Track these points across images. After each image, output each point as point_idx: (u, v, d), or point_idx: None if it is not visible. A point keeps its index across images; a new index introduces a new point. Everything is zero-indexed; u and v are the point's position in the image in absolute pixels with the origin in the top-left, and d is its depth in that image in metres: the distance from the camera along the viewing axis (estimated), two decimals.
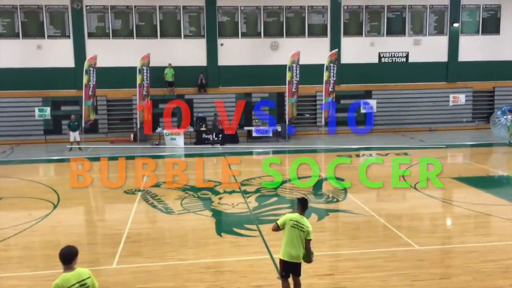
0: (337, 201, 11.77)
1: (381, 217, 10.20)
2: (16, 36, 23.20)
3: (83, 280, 4.78)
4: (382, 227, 9.68)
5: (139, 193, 12.66)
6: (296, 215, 6.28)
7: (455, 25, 25.44)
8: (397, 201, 11.90)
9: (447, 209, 11.04)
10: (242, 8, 24.47)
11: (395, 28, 25.48)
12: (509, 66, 25.77)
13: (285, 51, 23.51)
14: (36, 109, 22.54)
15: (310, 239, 6.19)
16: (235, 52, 24.51)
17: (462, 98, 25.21)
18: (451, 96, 25.31)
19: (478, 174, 14.06)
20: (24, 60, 23.18)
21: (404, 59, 25.71)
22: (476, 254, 8.11)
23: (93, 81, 21.79)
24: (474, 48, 25.76)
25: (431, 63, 25.68)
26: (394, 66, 25.59)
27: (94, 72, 21.80)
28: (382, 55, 25.58)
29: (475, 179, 13.49)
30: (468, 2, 25.53)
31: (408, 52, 25.65)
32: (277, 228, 6.35)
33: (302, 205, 6.35)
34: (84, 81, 21.55)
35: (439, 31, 25.68)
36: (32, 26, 23.27)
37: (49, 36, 23.44)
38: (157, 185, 13.53)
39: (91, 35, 23.69)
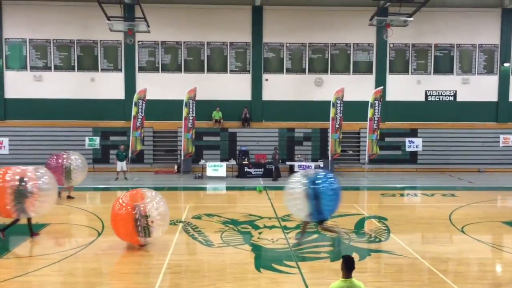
0: (380, 241, 11.46)
1: (426, 260, 9.83)
2: (72, 69, 24.42)
3: None
4: (426, 271, 9.32)
5: (181, 224, 12.78)
6: (343, 284, 5.52)
7: (506, 64, 24.86)
8: (443, 244, 11.44)
9: (496, 255, 10.52)
10: (287, 44, 24.88)
11: (443, 66, 25.16)
12: None
13: (329, 88, 23.62)
14: (87, 139, 23.42)
15: None
16: (280, 87, 24.82)
17: None
18: (501, 136, 24.49)
19: None
20: (78, 92, 24.31)
21: (452, 98, 25.24)
22: None
23: (141, 113, 22.52)
24: None
25: (480, 102, 25.08)
26: (441, 105, 25.13)
27: (143, 104, 22.55)
28: (428, 93, 25.21)
29: None
30: None
31: (456, 91, 25.18)
32: None
33: (347, 266, 5.56)
34: (133, 112, 22.32)
35: (489, 70, 25.15)
36: (87, 60, 24.48)
37: (102, 69, 24.55)
38: (198, 217, 13.63)
39: (141, 69, 24.64)
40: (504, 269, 9.81)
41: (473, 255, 10.45)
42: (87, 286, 8.53)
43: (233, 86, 24.74)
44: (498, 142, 24.44)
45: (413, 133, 24.67)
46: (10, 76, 24.28)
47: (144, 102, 22.63)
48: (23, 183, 10.65)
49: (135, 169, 22.85)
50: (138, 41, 24.38)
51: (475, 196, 17.34)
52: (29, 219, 11.28)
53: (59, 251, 10.17)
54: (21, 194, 10.60)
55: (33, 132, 23.85)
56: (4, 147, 23.05)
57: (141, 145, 23.04)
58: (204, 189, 19.49)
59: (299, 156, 23.40)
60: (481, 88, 25.09)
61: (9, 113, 24.19)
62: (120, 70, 24.61)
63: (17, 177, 10.67)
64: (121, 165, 20.88)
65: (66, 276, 8.89)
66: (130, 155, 22.17)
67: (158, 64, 24.73)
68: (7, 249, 10.90)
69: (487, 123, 25.13)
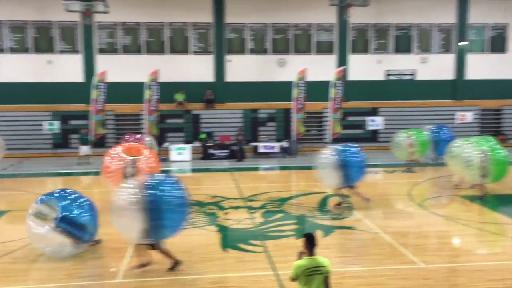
0: (343, 218, 11.75)
1: (387, 235, 10.16)
2: (27, 51, 23.57)
3: None
4: (387, 245, 9.64)
5: None
6: (307, 262, 5.56)
7: (462, 43, 25.53)
8: (403, 219, 11.84)
9: (453, 227, 10.98)
10: (250, 25, 24.74)
11: (402, 46, 25.61)
12: None
13: (292, 68, 23.69)
14: (46, 123, 22.77)
15: (329, 275, 5.59)
16: (243, 68, 24.72)
17: (469, 116, 25.21)
18: (458, 114, 25.31)
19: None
20: (34, 75, 23.50)
21: (411, 77, 25.79)
22: (482, 273, 8.05)
23: (102, 96, 22.05)
24: (481, 67, 25.79)
25: (438, 81, 25.72)
26: (401, 84, 25.66)
27: (104, 87, 22.08)
28: (389, 73, 25.67)
29: (482, 197, 13.41)
30: (475, 21, 25.64)
31: (415, 70, 25.74)
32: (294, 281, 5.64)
33: (310, 243, 5.60)
34: (93, 95, 21.83)
35: (446, 49, 25.78)
36: (43, 42, 23.65)
37: (60, 51, 23.79)
38: None
39: (101, 51, 24.02)
40: (461, 240, 10.25)
41: (431, 228, 10.89)
42: (50, 272, 8.41)
43: (195, 68, 24.47)
44: (455, 119, 25.21)
45: (374, 112, 25.15)
46: None
47: (104, 84, 22.14)
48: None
49: (97, 153, 22.38)
50: (97, 22, 23.68)
51: (434, 171, 17.90)
52: None
53: (20, 238, 9.94)
54: None
55: None
56: None
57: (103, 128, 22.62)
58: (168, 171, 19.35)
59: (263, 136, 23.51)
60: (439, 66, 25.69)
61: None
62: (78, 52, 23.91)
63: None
64: (85, 150, 20.51)
65: (29, 263, 8.74)
66: (92, 139, 21.75)
67: (118, 45, 24.16)
68: None
69: (444, 101, 25.86)
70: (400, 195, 14.30)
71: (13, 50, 23.48)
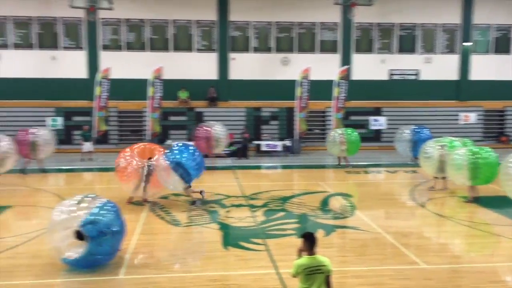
0: (345, 217, 11.74)
1: (389, 235, 10.15)
2: (32, 47, 23.61)
3: None
4: (389, 245, 9.63)
5: (147, 204, 12.73)
6: (307, 260, 5.56)
7: (467, 44, 25.45)
8: (405, 219, 11.84)
9: (455, 228, 10.96)
10: (254, 23, 24.73)
11: (406, 46, 25.56)
12: None
13: (295, 67, 23.68)
14: (49, 119, 22.82)
15: (330, 274, 5.58)
16: (246, 66, 24.72)
17: (472, 117, 25.17)
18: (461, 114, 25.25)
19: (488, 194, 13.95)
20: (38, 71, 23.57)
21: (414, 77, 25.73)
22: (484, 275, 8.03)
23: (105, 92, 22.10)
24: (485, 67, 25.73)
25: (442, 81, 25.67)
26: (404, 84, 25.61)
27: (107, 84, 22.12)
28: (392, 72, 25.62)
29: (484, 199, 13.39)
30: (480, 22, 25.56)
31: (419, 70, 25.68)
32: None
33: (309, 242, 5.60)
34: (97, 92, 21.87)
35: (450, 49, 25.71)
36: (47, 38, 23.69)
37: (64, 48, 23.83)
38: (165, 197, 13.60)
39: (104, 47, 24.06)
40: (461, 241, 10.24)
41: (432, 229, 10.87)
42: (51, 267, 8.43)
43: (199, 65, 24.48)
44: (459, 120, 25.16)
45: (377, 111, 25.11)
46: None
47: (108, 81, 22.18)
48: None
49: (100, 149, 22.43)
50: (101, 18, 23.71)
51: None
52: None
53: (23, 233, 9.98)
54: None
55: None
56: None
57: (106, 125, 22.67)
58: None
59: (266, 135, 23.52)
60: (443, 67, 25.64)
61: None
62: (82, 48, 23.96)
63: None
64: (88, 146, 20.55)
65: (31, 258, 8.77)
66: (95, 136, 21.79)
67: (122, 42, 24.19)
68: None
69: (448, 101, 25.79)
70: (402, 195, 14.29)
71: (17, 46, 23.54)
